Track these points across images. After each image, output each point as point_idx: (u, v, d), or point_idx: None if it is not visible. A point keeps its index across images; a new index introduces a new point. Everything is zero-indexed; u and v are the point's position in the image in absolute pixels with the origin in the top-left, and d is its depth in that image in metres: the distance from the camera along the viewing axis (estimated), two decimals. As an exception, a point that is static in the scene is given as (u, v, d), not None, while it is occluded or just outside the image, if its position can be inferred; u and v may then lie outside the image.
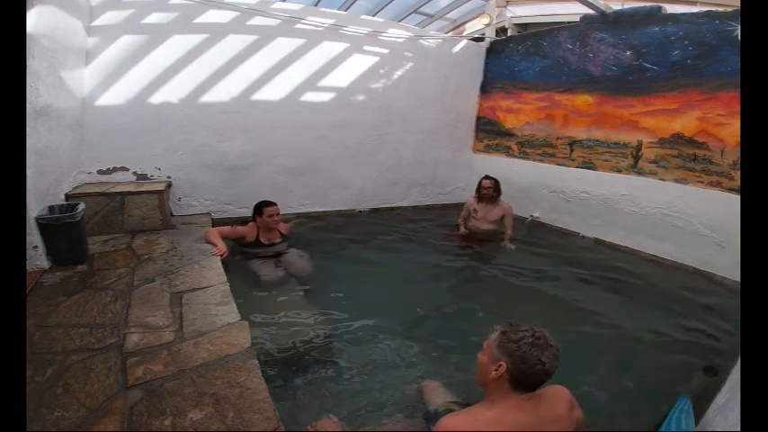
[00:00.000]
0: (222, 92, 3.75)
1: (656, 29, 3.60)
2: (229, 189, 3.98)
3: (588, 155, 4.27)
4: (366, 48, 4.41)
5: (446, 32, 6.00)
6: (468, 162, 5.53)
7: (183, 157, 3.71)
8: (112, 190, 3.09)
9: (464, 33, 5.99)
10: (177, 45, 3.50)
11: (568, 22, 4.50)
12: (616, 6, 4.02)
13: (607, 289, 3.10)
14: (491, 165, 4.99)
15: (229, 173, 3.94)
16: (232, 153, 3.91)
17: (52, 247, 2.34)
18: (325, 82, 4.24)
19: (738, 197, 3.16)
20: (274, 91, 3.99)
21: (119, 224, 3.04)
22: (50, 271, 2.30)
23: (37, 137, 2.35)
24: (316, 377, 1.90)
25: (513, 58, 4.93)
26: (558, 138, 4.54)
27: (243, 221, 3.27)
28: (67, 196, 2.85)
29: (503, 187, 3.96)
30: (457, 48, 5.07)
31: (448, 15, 5.95)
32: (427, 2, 5.38)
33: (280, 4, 3.91)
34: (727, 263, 3.23)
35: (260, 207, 3.03)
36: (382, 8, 5.29)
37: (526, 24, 5.43)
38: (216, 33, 3.64)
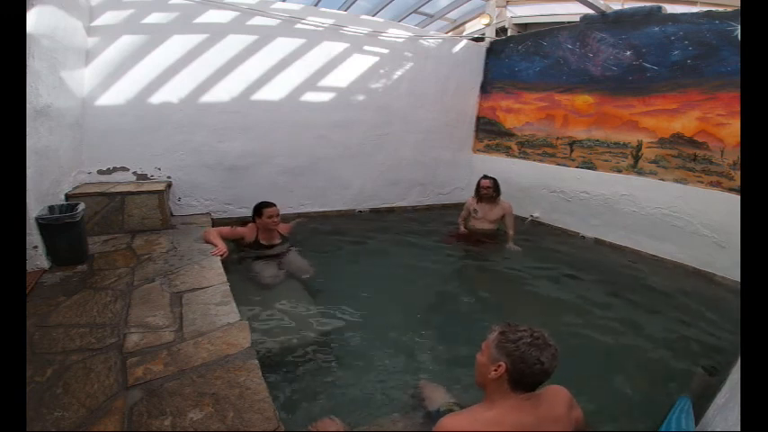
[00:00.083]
0: (222, 92, 3.76)
1: (656, 29, 3.60)
2: (229, 189, 3.98)
3: (588, 155, 4.27)
4: (366, 48, 4.41)
5: (446, 32, 6.00)
6: (468, 162, 5.53)
7: (183, 157, 3.71)
8: (112, 190, 3.09)
9: (464, 33, 5.99)
10: (177, 45, 3.50)
11: (568, 22, 4.50)
12: (616, 6, 4.02)
13: (607, 289, 3.10)
14: (491, 165, 4.99)
15: (229, 173, 3.94)
16: (232, 153, 3.91)
17: (52, 247, 2.34)
18: (325, 82, 4.24)
19: (738, 197, 3.16)
20: (274, 91, 3.99)
21: (119, 224, 3.04)
22: (50, 271, 2.30)
23: (37, 137, 2.35)
24: (316, 377, 1.90)
25: (513, 58, 4.92)
26: (558, 138, 4.54)
27: (243, 221, 3.27)
28: (67, 196, 2.85)
29: (503, 187, 3.96)
30: (457, 48, 5.07)
31: (448, 15, 5.95)
32: (427, 2, 5.38)
33: (280, 4, 3.91)
34: (727, 263, 3.23)
35: (259, 208, 3.02)
36: (382, 8, 5.29)
37: (526, 24, 5.43)
38: (216, 33, 3.64)
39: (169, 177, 3.67)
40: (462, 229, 4.04)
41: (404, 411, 1.65)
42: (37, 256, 2.28)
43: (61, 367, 1.47)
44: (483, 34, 5.37)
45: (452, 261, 3.63)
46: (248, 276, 2.78)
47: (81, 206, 2.48)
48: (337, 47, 4.23)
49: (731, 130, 3.22)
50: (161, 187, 3.28)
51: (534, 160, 4.81)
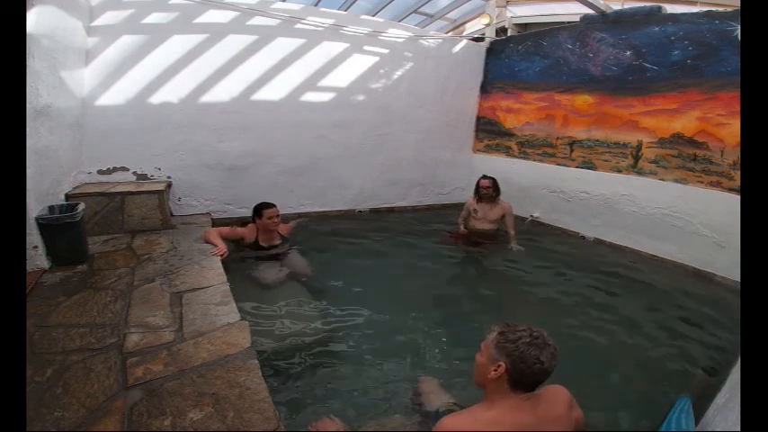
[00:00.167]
0: (222, 92, 3.76)
1: (656, 29, 3.60)
2: (229, 189, 3.98)
3: (588, 155, 4.27)
4: (366, 48, 4.41)
5: (446, 32, 6.00)
6: (468, 162, 5.53)
7: (183, 157, 3.71)
8: (112, 190, 3.09)
9: (464, 33, 5.99)
10: (177, 45, 3.50)
11: (568, 22, 4.50)
12: (616, 6, 4.02)
13: (607, 289, 3.10)
14: (491, 165, 4.99)
15: (229, 173, 3.94)
16: (232, 153, 3.91)
17: (52, 247, 2.34)
18: (325, 82, 4.24)
19: (738, 197, 3.16)
20: (274, 91, 3.99)
21: (119, 224, 3.04)
22: (50, 271, 2.30)
23: (37, 137, 2.35)
24: (316, 377, 1.90)
25: (513, 58, 4.92)
26: (558, 138, 4.54)
27: (243, 221, 3.27)
28: (67, 196, 2.85)
29: (503, 187, 3.96)
30: (457, 48, 5.07)
31: (448, 15, 5.95)
32: (427, 2, 5.38)
33: (280, 4, 3.91)
34: (727, 263, 3.23)
35: (259, 209, 3.01)
36: (382, 8, 5.29)
37: (526, 24, 5.43)
38: (216, 33, 3.64)
39: (169, 177, 3.67)
40: (462, 229, 4.03)
41: (404, 411, 1.65)
42: (37, 256, 2.28)
43: (61, 367, 1.47)
44: (483, 34, 5.37)
45: (452, 261, 3.63)
46: (248, 276, 2.78)
47: (81, 206, 2.48)
48: (337, 47, 4.23)
49: (731, 130, 3.22)
50: (161, 187, 3.28)
51: (534, 160, 4.81)
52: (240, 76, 3.80)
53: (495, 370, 1.16)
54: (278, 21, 3.88)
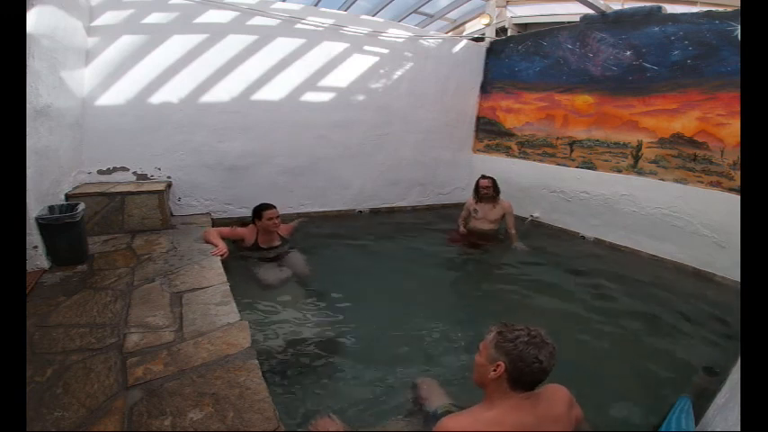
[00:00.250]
0: (222, 92, 3.75)
1: (656, 29, 3.60)
2: (229, 189, 3.98)
3: (588, 155, 4.27)
4: (366, 48, 4.40)
5: (446, 32, 6.00)
6: (468, 162, 5.53)
7: (183, 157, 3.71)
8: (112, 190, 3.09)
9: (464, 33, 5.99)
10: (177, 45, 3.50)
11: (568, 22, 4.50)
12: (616, 6, 4.02)
13: (606, 289, 3.10)
14: (491, 165, 4.99)
15: (229, 173, 3.94)
16: (232, 153, 3.91)
17: (52, 247, 2.34)
18: (325, 82, 4.24)
19: (738, 197, 3.16)
20: (274, 91, 3.99)
21: (119, 224, 3.04)
22: (50, 271, 2.30)
23: (37, 137, 2.35)
24: (315, 377, 1.90)
25: (513, 58, 4.92)
26: (558, 138, 4.54)
27: (243, 221, 3.27)
28: (67, 196, 2.85)
29: (503, 187, 3.96)
30: (457, 48, 5.07)
31: (448, 15, 5.95)
32: (427, 2, 5.38)
33: (280, 4, 3.91)
34: (727, 263, 3.23)
35: (259, 210, 3.00)
36: (382, 8, 5.29)
37: (526, 24, 5.43)
38: (216, 33, 3.64)
39: (169, 177, 3.67)
40: (462, 229, 4.04)
41: (403, 411, 1.65)
42: (37, 256, 2.28)
43: (61, 367, 1.47)
44: (483, 34, 5.37)
45: (452, 261, 3.63)
46: (249, 276, 2.78)
47: (81, 206, 2.48)
48: (337, 47, 4.23)
49: (731, 130, 3.22)
50: (161, 187, 3.28)
51: (534, 160, 4.81)
52: (240, 76, 3.80)
53: (495, 370, 1.17)
54: (278, 21, 3.88)
